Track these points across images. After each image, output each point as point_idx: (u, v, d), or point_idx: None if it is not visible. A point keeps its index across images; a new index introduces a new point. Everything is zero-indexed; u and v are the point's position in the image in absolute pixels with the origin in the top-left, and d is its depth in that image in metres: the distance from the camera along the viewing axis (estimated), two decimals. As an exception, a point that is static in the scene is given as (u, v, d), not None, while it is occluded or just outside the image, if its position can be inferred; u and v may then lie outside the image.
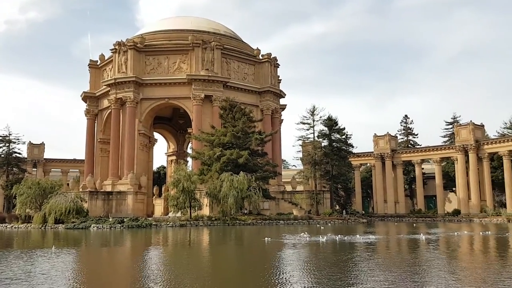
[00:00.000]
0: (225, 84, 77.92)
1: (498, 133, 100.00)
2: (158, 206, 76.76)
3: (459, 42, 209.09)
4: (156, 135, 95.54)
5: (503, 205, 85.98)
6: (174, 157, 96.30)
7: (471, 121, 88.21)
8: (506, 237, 37.20)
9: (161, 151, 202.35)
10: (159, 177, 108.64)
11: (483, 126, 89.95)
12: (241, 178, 57.78)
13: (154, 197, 79.40)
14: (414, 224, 63.81)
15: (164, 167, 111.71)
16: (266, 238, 32.34)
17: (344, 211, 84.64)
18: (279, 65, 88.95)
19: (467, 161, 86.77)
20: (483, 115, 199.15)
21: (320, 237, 32.43)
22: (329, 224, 60.91)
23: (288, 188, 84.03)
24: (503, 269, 18.04)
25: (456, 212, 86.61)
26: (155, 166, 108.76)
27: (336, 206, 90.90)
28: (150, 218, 60.93)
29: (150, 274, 17.05)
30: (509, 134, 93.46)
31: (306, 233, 35.88)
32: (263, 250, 27.19)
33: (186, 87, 76.39)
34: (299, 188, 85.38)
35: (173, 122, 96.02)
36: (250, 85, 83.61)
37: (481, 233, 41.68)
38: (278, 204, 74.05)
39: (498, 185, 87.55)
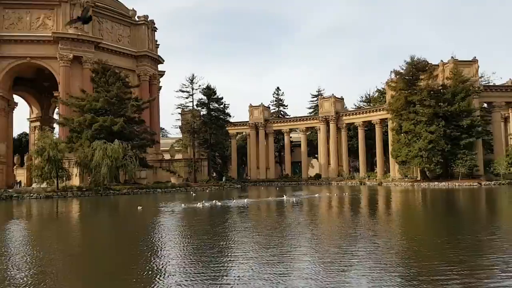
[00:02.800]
0: (97, 45, 72.94)
1: (355, 105, 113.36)
2: (20, 177, 70.38)
3: (328, 18, 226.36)
4: (17, 98, 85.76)
5: (357, 170, 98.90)
6: (38, 123, 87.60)
7: (332, 94, 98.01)
8: (359, 198, 43.74)
9: (23, 116, 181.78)
10: (20, 145, 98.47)
11: (343, 99, 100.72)
12: (115, 147, 55.93)
13: (15, 167, 72.16)
14: (277, 188, 69.98)
15: (26, 134, 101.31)
16: (139, 207, 32.62)
17: (223, 178, 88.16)
18: (156, 29, 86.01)
19: (328, 131, 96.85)
20: (345, 88, 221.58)
21: (197, 204, 33.93)
22: (206, 191, 63.18)
23: (167, 156, 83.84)
24: (356, 221, 21.71)
25: (318, 176, 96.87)
26: (16, 133, 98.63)
27: (214, 173, 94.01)
28: (10, 190, 55.58)
29: (9, 256, 15.73)
30: (364, 107, 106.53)
31: (183, 203, 36.94)
32: (135, 219, 27.52)
33: (51, 46, 69.54)
34: (178, 156, 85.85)
35: (36, 84, 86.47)
36: (126, 48, 79.59)
37: (336, 194, 48.12)
38: (156, 173, 73.65)
39: (353, 152, 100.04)
